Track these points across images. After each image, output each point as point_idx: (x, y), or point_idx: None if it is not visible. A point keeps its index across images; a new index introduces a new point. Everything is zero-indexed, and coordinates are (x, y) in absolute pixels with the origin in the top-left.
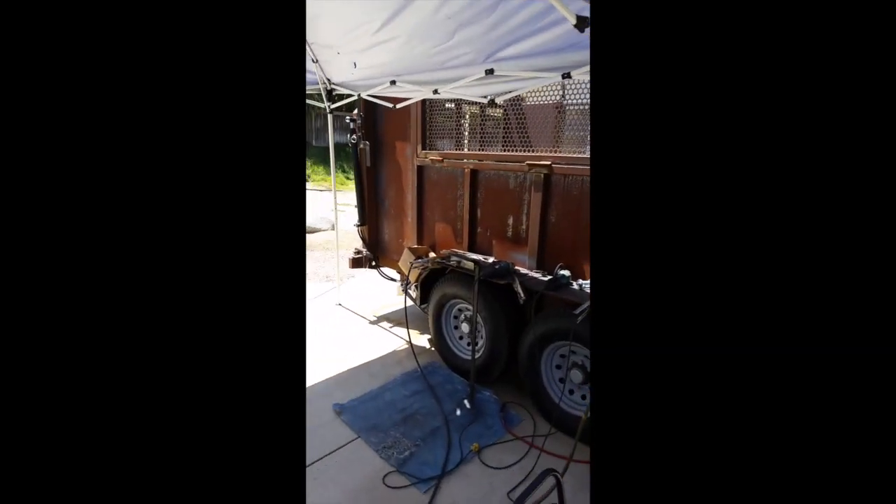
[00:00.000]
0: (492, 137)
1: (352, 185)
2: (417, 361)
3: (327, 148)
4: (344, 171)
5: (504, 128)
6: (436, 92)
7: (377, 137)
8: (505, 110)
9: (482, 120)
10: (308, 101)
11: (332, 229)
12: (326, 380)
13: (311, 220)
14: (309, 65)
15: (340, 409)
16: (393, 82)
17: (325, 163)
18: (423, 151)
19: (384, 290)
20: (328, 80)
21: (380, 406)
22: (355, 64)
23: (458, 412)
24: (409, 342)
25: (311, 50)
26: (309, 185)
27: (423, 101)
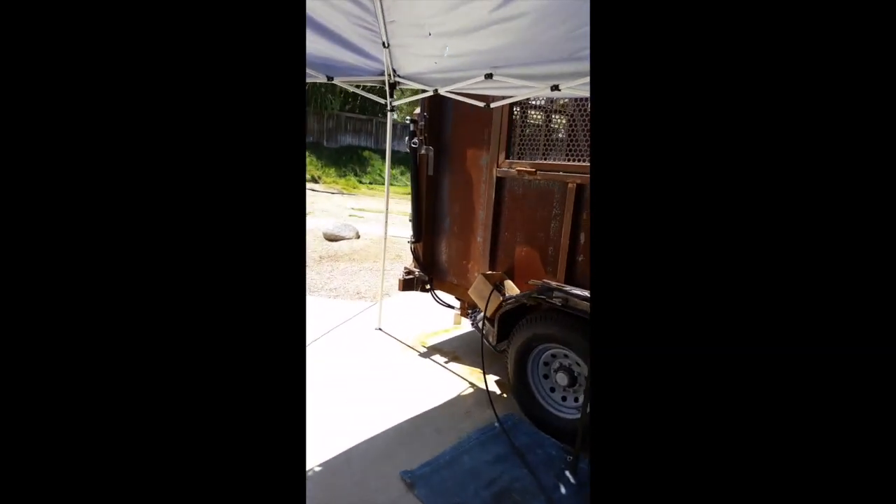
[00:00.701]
0: None
1: (367, 189)
2: (498, 417)
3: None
4: (357, 175)
5: None
6: (555, 88)
7: (442, 142)
8: None
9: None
10: (363, 94)
11: (358, 237)
12: (384, 433)
13: (333, 227)
14: (371, 50)
15: (412, 480)
16: (489, 76)
17: (337, 164)
18: (508, 161)
19: (430, 313)
20: (394, 70)
21: (460, 476)
22: (447, 49)
23: (563, 489)
24: (488, 391)
25: (385, 31)
26: (319, 187)
27: (514, 103)
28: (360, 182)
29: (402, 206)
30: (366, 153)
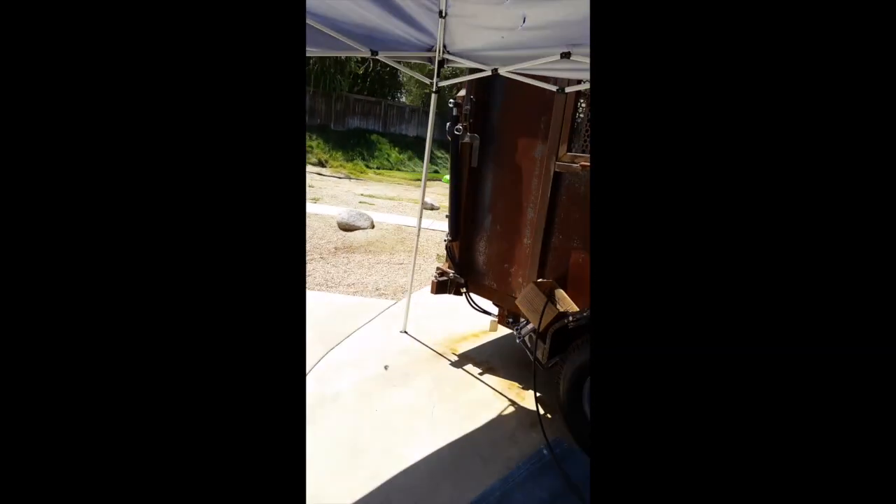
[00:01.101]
0: None
1: (374, 174)
2: (548, 443)
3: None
4: (364, 160)
5: None
6: None
7: (488, 130)
8: None
9: None
10: (405, 70)
11: (372, 227)
12: (425, 462)
13: (347, 216)
14: (424, 20)
15: None
16: (566, 55)
17: (344, 148)
18: (570, 154)
19: (455, 314)
20: (444, 46)
21: None
22: (524, 20)
23: None
24: (539, 417)
25: None
26: (327, 171)
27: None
28: (368, 167)
29: (411, 194)
30: (374, 137)
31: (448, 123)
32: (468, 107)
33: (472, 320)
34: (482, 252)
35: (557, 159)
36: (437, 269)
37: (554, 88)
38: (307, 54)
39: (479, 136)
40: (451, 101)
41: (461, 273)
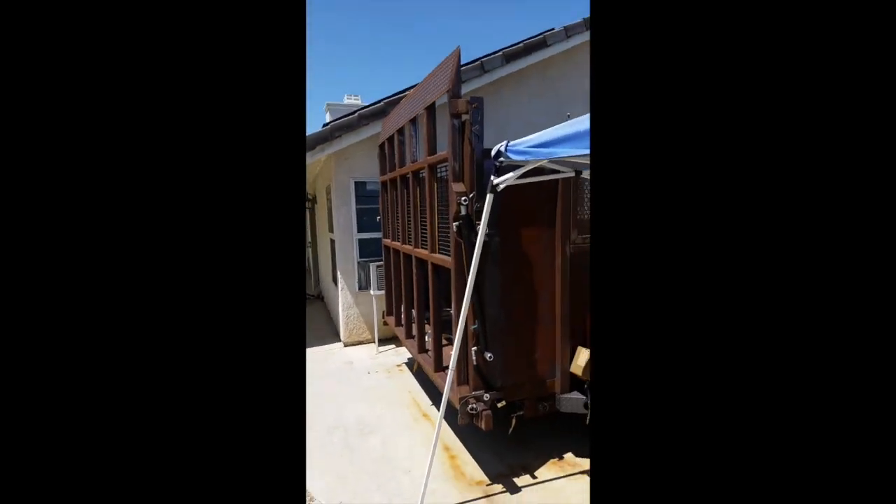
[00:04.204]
0: None
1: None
2: None
3: None
4: None
5: None
6: None
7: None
8: None
9: None
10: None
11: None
12: None
13: None
14: None
15: None
16: None
17: None
18: (582, 236)
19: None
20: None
21: None
22: (569, 116)
23: None
24: None
25: None
26: None
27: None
28: None
29: None
30: None
31: (457, 224)
32: (479, 204)
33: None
34: (509, 351)
35: (571, 242)
36: (464, 399)
37: (572, 173)
38: None
39: (497, 232)
40: (464, 199)
41: (504, 388)
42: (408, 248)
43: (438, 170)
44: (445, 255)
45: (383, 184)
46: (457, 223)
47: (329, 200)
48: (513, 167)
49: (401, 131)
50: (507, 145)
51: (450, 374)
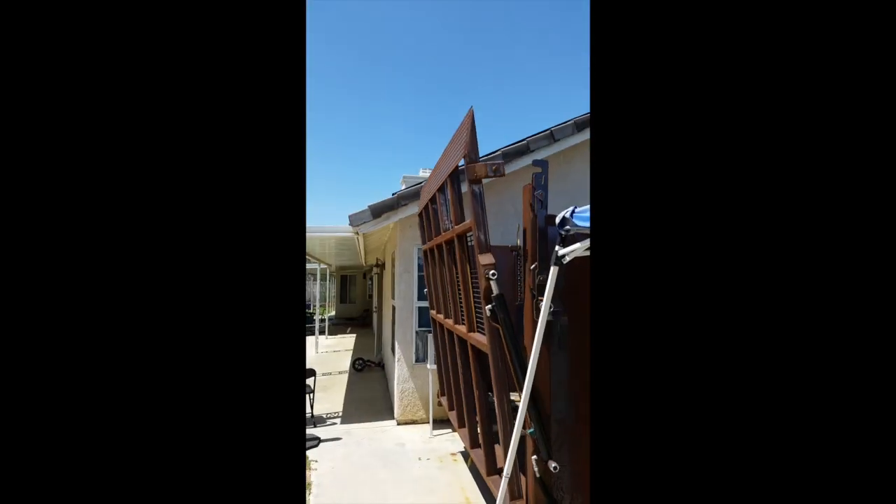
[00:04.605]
0: None
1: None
2: None
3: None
4: None
5: None
6: None
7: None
8: None
9: None
10: None
11: None
12: None
13: None
14: None
15: None
16: None
17: None
18: None
19: None
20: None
21: None
22: None
23: None
24: None
25: None
26: None
27: None
28: None
29: None
30: None
31: (490, 307)
32: (542, 277)
33: None
34: (579, 460)
35: None
36: None
37: None
38: None
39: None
40: (492, 273)
41: None
42: (449, 322)
43: (468, 238)
44: (482, 334)
45: (425, 253)
46: (490, 306)
47: (394, 267)
48: (581, 237)
49: (433, 200)
50: (573, 211)
51: (503, 485)
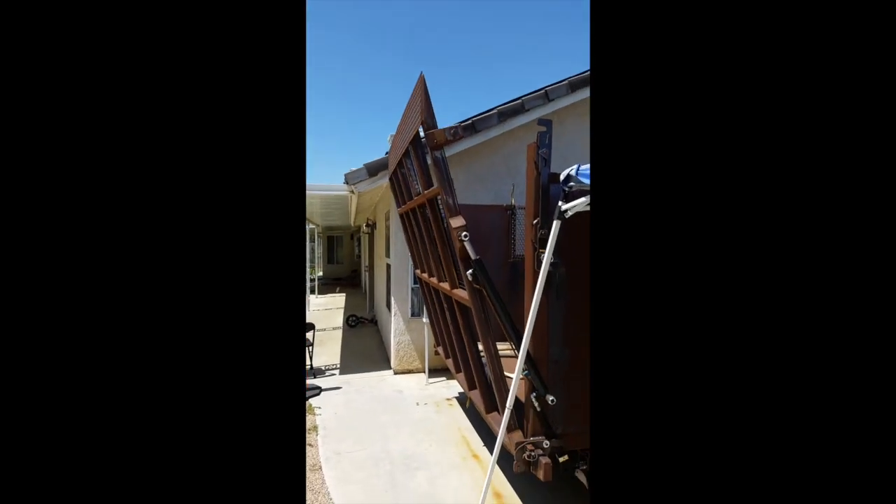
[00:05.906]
0: None
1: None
2: None
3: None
4: None
5: None
6: None
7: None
8: None
9: None
10: None
11: None
12: None
13: None
14: None
15: None
16: None
17: None
18: None
19: None
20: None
21: None
22: None
23: None
24: None
25: None
26: None
27: None
28: None
29: None
30: None
31: (471, 272)
32: (543, 231)
33: None
34: (573, 395)
35: None
36: (520, 444)
37: None
38: None
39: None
40: (464, 234)
41: (566, 435)
42: (433, 280)
43: (439, 202)
44: (464, 290)
45: (401, 216)
46: (470, 271)
47: (388, 227)
48: (584, 192)
49: (400, 164)
50: (578, 169)
51: (506, 414)
